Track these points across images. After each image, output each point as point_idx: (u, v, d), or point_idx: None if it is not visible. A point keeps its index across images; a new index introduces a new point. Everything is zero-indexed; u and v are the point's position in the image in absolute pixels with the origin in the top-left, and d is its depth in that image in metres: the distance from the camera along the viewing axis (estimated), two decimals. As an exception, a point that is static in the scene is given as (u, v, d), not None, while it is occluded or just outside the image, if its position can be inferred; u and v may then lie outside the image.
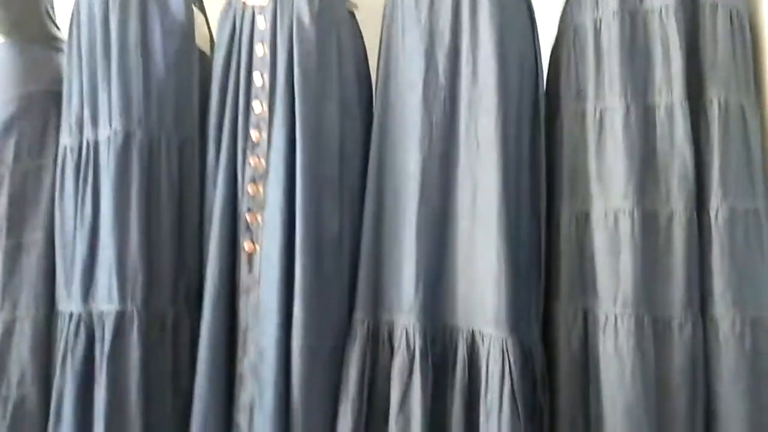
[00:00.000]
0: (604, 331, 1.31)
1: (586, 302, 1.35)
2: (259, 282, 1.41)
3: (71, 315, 1.45)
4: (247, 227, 1.45)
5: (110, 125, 1.48)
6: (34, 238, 1.55)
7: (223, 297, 1.44)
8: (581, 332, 1.35)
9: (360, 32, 1.56)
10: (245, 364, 1.41)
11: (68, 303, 1.47)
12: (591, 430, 1.31)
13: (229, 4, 1.54)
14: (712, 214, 1.31)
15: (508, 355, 1.29)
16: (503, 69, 1.37)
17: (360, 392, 1.35)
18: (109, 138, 1.48)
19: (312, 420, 1.36)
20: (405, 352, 1.34)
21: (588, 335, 1.34)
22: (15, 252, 1.55)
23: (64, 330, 1.46)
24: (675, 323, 1.29)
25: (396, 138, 1.43)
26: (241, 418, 1.40)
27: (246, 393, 1.40)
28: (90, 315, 1.44)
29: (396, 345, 1.36)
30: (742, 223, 1.31)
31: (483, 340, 1.33)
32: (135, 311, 1.42)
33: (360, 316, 1.40)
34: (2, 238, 1.55)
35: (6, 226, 1.55)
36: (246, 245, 1.44)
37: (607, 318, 1.31)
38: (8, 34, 1.66)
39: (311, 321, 1.36)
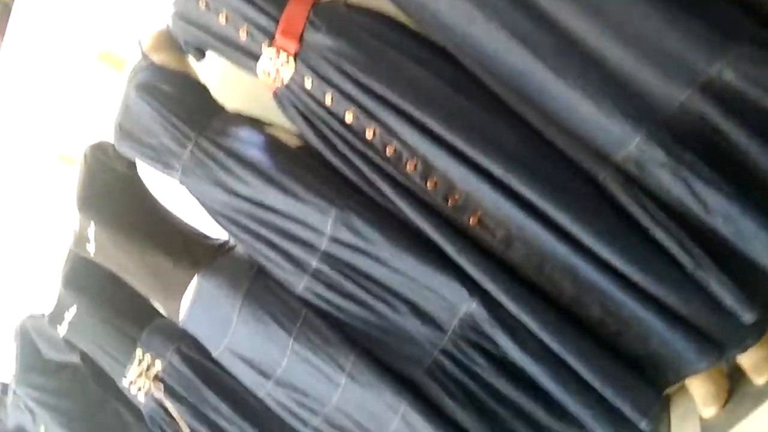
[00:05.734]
0: None
1: None
2: (515, 229, 1.43)
3: None
4: (456, 208, 1.47)
5: None
6: None
7: None
8: None
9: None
10: None
11: None
12: None
13: (275, 95, 1.60)
14: None
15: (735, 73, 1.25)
16: None
17: (654, 218, 1.35)
18: None
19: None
20: (664, 156, 1.31)
21: None
22: None
23: None
24: None
25: (481, 49, 1.41)
26: None
27: None
28: None
29: (644, 163, 1.33)
30: None
31: (714, 85, 1.27)
32: None
33: (601, 176, 1.39)
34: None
35: None
36: (471, 220, 1.46)
37: None
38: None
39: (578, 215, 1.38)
